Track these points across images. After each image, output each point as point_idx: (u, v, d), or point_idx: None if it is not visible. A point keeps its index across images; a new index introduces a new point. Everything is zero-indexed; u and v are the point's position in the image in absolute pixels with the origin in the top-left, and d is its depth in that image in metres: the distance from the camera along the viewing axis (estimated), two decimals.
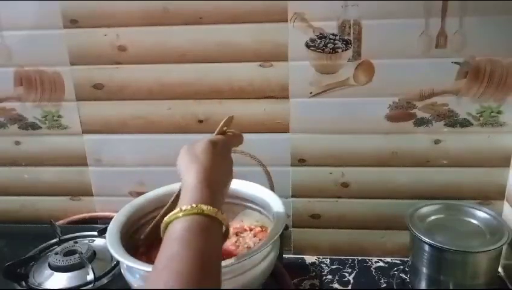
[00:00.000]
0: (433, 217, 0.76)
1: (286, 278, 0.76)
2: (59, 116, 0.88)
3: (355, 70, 0.78)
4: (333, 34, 0.76)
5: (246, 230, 0.74)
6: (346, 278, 0.83)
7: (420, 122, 0.79)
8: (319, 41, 0.77)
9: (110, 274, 0.75)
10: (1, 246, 0.88)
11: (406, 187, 0.83)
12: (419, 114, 0.79)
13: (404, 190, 0.83)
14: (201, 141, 0.56)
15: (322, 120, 0.81)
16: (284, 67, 0.79)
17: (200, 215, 0.46)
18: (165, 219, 0.47)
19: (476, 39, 0.73)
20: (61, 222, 0.93)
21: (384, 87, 0.78)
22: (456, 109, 0.78)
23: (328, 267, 0.86)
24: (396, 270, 0.84)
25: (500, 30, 0.73)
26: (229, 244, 0.70)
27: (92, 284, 0.72)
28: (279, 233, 0.63)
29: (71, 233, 0.86)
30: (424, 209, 0.77)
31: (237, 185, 0.72)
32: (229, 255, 0.66)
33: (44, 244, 0.84)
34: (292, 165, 0.85)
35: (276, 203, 0.69)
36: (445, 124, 0.79)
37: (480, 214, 0.75)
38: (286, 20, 0.76)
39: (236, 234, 0.73)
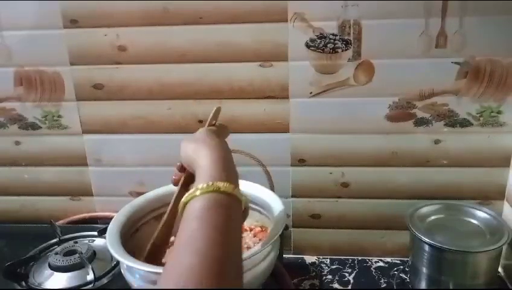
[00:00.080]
0: (433, 217, 0.76)
1: (286, 278, 0.76)
2: (59, 116, 0.88)
3: (355, 70, 0.78)
4: (333, 34, 0.76)
5: (246, 230, 0.74)
6: (346, 278, 0.83)
7: (420, 122, 0.79)
8: (319, 41, 0.77)
9: (110, 274, 0.76)
10: (1, 246, 0.88)
11: (406, 187, 0.83)
12: (419, 114, 0.79)
13: (404, 190, 0.83)
14: (199, 130, 0.57)
15: (322, 120, 0.81)
16: (284, 67, 0.79)
17: (217, 193, 0.45)
18: (182, 199, 0.46)
19: (476, 39, 0.73)
20: (61, 222, 0.93)
21: (384, 87, 0.78)
22: (456, 109, 0.78)
23: (328, 267, 0.86)
24: (396, 271, 0.84)
25: (500, 30, 0.73)
26: None
27: (92, 284, 0.72)
28: (279, 233, 0.63)
29: (71, 233, 0.86)
30: (424, 209, 0.77)
31: None
32: None
33: (44, 245, 0.84)
34: (292, 165, 0.85)
35: (276, 203, 0.69)
36: (445, 124, 0.79)
37: (480, 214, 0.75)
38: (286, 20, 0.76)
39: None
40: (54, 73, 0.85)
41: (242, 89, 0.81)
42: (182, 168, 0.59)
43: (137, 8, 0.79)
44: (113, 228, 0.66)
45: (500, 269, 0.78)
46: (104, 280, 0.74)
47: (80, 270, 0.75)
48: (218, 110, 0.63)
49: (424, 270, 0.73)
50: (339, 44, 0.76)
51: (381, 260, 0.87)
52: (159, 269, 0.58)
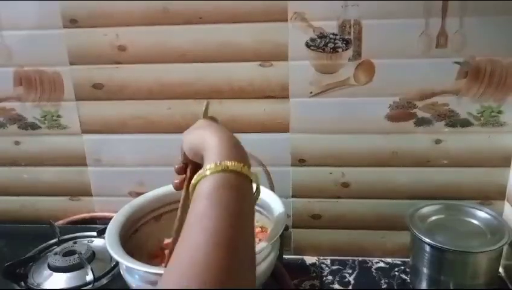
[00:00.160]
0: (433, 217, 0.76)
1: (286, 278, 0.76)
2: (58, 116, 0.88)
3: (355, 70, 0.77)
4: (333, 34, 0.76)
5: None
6: (346, 279, 0.82)
7: (420, 122, 0.79)
8: (319, 41, 0.76)
9: (110, 275, 0.75)
10: (1, 246, 0.88)
11: (406, 187, 0.83)
12: (420, 114, 0.79)
13: (404, 190, 0.83)
14: (198, 121, 0.57)
15: (322, 120, 0.81)
16: (284, 67, 0.79)
17: (226, 172, 0.44)
18: (192, 181, 0.45)
19: (476, 39, 0.73)
20: (60, 222, 0.93)
21: (384, 87, 0.77)
22: (457, 108, 0.78)
23: (329, 267, 0.86)
24: (396, 271, 0.84)
25: (500, 30, 0.73)
26: None
27: (92, 285, 0.72)
28: (279, 233, 0.62)
29: (70, 233, 0.86)
30: (425, 210, 0.77)
31: None
32: None
33: (43, 245, 0.84)
34: (292, 165, 0.85)
35: (276, 204, 0.69)
36: (446, 124, 0.79)
37: (481, 214, 0.75)
38: (286, 20, 0.76)
39: None
40: (53, 73, 0.85)
41: (242, 88, 0.81)
42: (181, 170, 0.58)
43: (137, 7, 0.78)
44: (112, 228, 0.66)
45: (500, 269, 0.78)
46: (104, 281, 0.74)
47: (79, 271, 0.74)
48: (208, 104, 0.63)
49: (425, 270, 0.73)
50: (339, 44, 0.76)
51: (381, 261, 0.87)
52: (158, 270, 0.58)
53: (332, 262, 0.87)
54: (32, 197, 0.95)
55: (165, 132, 0.85)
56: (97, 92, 0.85)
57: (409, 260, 0.79)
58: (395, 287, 0.80)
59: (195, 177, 0.45)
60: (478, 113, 0.77)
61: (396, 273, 0.83)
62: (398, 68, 0.76)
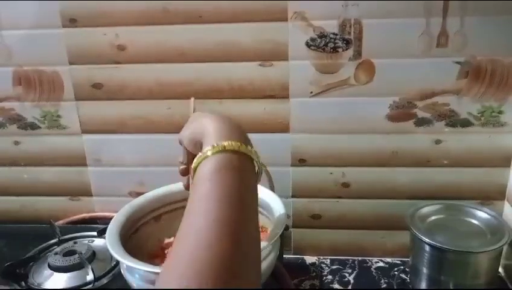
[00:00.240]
0: (433, 217, 0.76)
1: (286, 278, 0.76)
2: (58, 116, 0.88)
3: (355, 70, 0.77)
4: (334, 34, 0.76)
5: None
6: (346, 279, 0.82)
7: (421, 122, 0.79)
8: (319, 40, 0.76)
9: (110, 274, 0.75)
10: (1, 246, 0.88)
11: (406, 187, 0.83)
12: (420, 114, 0.78)
13: (404, 190, 0.83)
14: (192, 115, 0.56)
15: (322, 120, 0.81)
16: (284, 66, 0.79)
17: (226, 153, 0.43)
18: (192, 165, 0.45)
19: (477, 39, 0.73)
20: (60, 222, 0.93)
21: (384, 86, 0.77)
22: (457, 108, 0.77)
23: (329, 267, 0.86)
24: (396, 271, 0.84)
25: (501, 30, 0.72)
26: None
27: (92, 285, 0.72)
28: (279, 233, 0.63)
29: (71, 233, 0.86)
30: (425, 210, 0.77)
31: None
32: None
33: (44, 245, 0.84)
34: (292, 165, 0.85)
35: (276, 204, 0.69)
36: (446, 124, 0.78)
37: (481, 214, 0.75)
38: (286, 20, 0.76)
39: None
40: (53, 72, 0.85)
41: (242, 88, 0.81)
42: (186, 171, 0.56)
43: (137, 7, 0.78)
44: (112, 228, 0.66)
45: (500, 269, 0.78)
46: (104, 280, 0.74)
47: (80, 271, 0.75)
48: (193, 102, 0.63)
49: (425, 270, 0.73)
50: (340, 43, 0.76)
51: (381, 260, 0.87)
52: (158, 269, 0.58)
53: (332, 262, 0.87)
54: (32, 197, 0.95)
55: (165, 131, 0.85)
56: (97, 91, 0.85)
57: (408, 259, 0.79)
58: (395, 287, 0.80)
59: (195, 160, 0.44)
60: (478, 113, 0.77)
61: (396, 273, 0.83)
62: (399, 68, 0.76)
